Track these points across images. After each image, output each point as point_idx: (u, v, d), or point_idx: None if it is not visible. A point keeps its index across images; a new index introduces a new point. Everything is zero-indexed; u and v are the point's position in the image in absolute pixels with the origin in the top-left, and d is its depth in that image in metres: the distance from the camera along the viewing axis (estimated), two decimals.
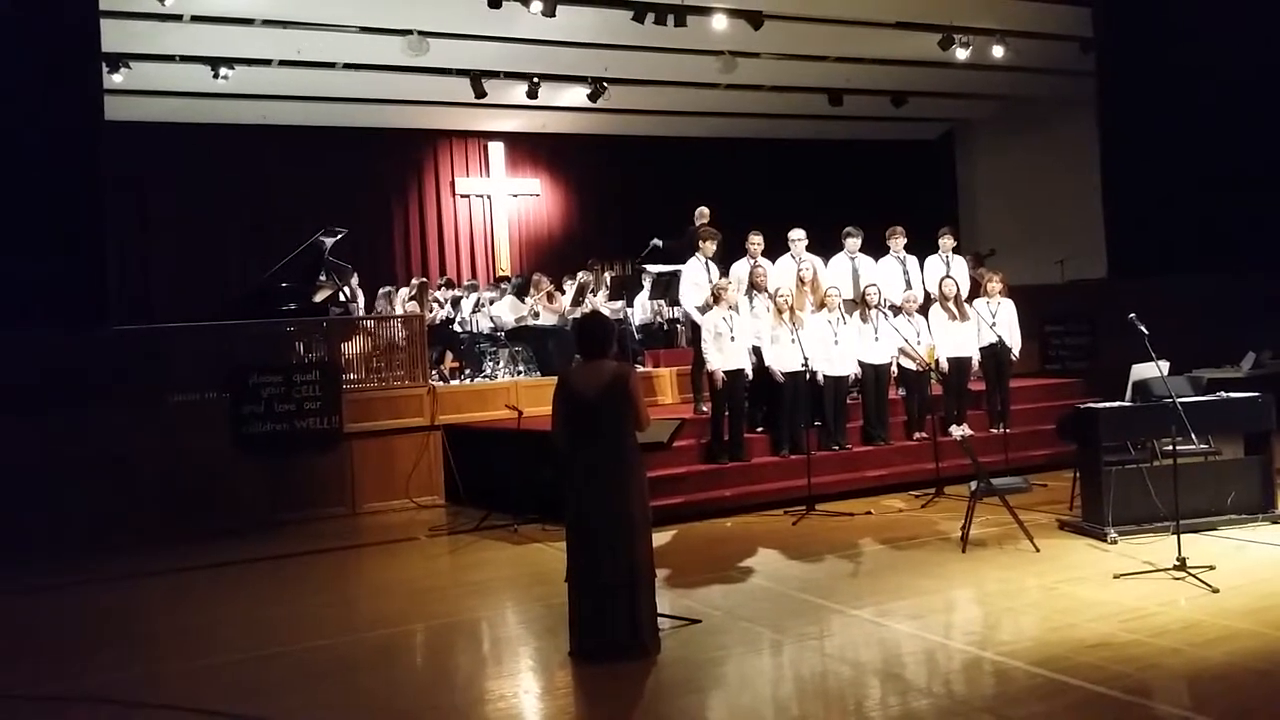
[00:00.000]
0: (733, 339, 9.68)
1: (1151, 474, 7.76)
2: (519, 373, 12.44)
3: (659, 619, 5.93)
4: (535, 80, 15.32)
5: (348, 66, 14.36)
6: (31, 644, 6.75)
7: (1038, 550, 7.47)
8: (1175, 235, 13.82)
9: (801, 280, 10.42)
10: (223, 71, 13.73)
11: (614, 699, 5.33)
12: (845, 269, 11.10)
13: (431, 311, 13.47)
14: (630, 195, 18.15)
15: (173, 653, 6.40)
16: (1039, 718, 4.69)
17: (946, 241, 11.42)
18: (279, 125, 16.07)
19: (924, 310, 10.82)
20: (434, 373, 12.27)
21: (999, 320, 10.66)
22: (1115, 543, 7.53)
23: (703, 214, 12.28)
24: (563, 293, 13.60)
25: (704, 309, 10.01)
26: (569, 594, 5.76)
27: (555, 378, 6.05)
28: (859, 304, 10.54)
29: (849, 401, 10.53)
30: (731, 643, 5.90)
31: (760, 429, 10.34)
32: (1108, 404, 8.10)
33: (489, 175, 18.24)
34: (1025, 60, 15.74)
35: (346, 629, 6.65)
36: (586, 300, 13.22)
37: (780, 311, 9.88)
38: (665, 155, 18.28)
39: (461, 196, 18.07)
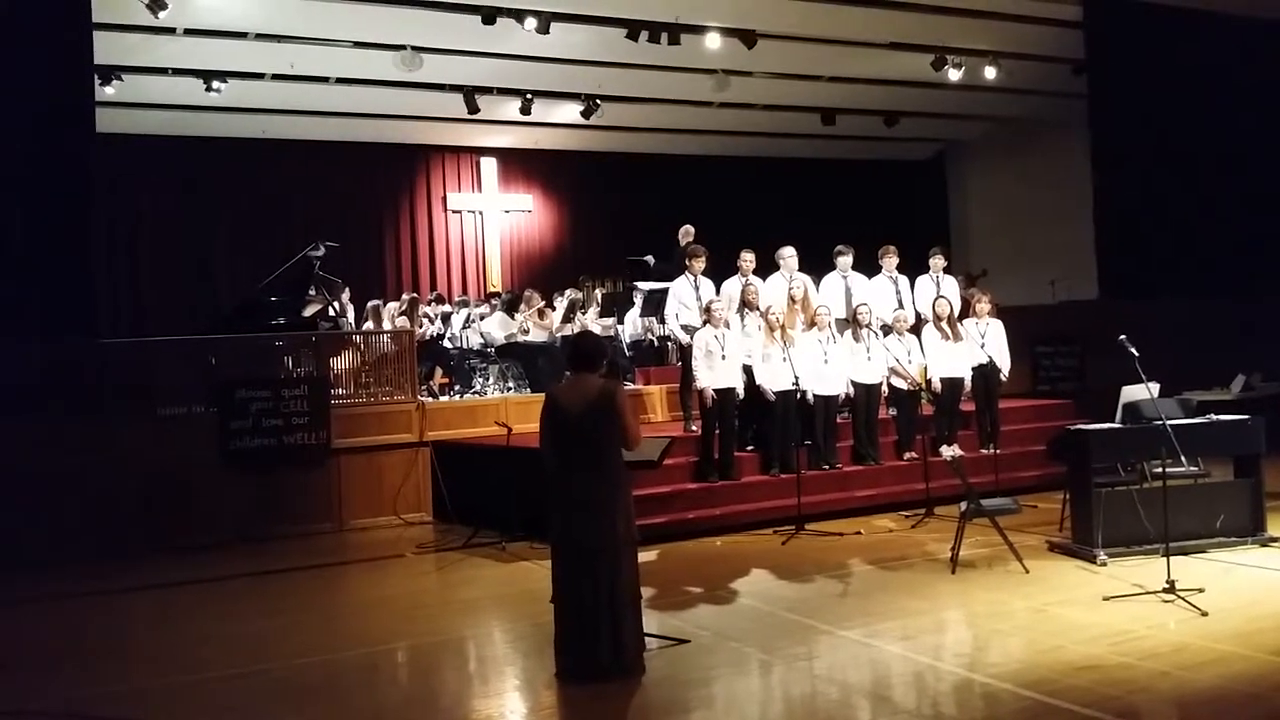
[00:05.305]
0: (724, 357, 9.67)
1: (1141, 496, 7.74)
2: (509, 389, 12.41)
3: (647, 639, 5.90)
4: (529, 96, 15.36)
5: (341, 81, 14.37)
6: (14, 659, 6.67)
7: (1027, 572, 7.45)
8: (1166, 258, 13.89)
9: (793, 299, 10.41)
10: (215, 85, 13.74)
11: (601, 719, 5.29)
12: (838, 287, 11.10)
13: (421, 327, 13.43)
14: (622, 212, 18.17)
15: (156, 669, 6.33)
16: None
17: (938, 261, 11.43)
18: (271, 139, 16.07)
19: (915, 330, 10.82)
20: (423, 388, 12.22)
21: (988, 341, 10.66)
22: (1105, 565, 7.51)
23: (687, 232, 12.27)
24: (553, 309, 13.58)
25: (697, 327, 9.99)
26: (554, 614, 5.72)
27: (544, 395, 6.01)
28: (850, 323, 10.54)
29: (839, 421, 10.52)
30: (719, 663, 5.86)
31: (750, 448, 10.31)
32: (1098, 425, 8.10)
33: (481, 191, 18.27)
34: (1017, 81, 15.83)
35: (331, 646, 6.59)
36: (576, 318, 13.20)
37: (771, 330, 9.87)
38: (658, 172, 18.32)
39: (453, 212, 18.08)
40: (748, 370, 9.92)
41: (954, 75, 15.05)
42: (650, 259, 13.54)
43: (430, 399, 11.94)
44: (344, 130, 16.18)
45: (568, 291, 14.10)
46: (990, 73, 15.12)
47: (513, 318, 13.08)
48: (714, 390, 9.64)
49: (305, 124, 15.81)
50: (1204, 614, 6.24)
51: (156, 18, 11.45)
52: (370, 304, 13.35)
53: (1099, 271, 14.50)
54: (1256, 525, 8.04)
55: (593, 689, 5.50)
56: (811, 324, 10.29)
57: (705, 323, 9.85)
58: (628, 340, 13.60)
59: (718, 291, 10.37)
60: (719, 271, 10.69)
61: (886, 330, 10.66)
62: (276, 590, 8.38)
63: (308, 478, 10.53)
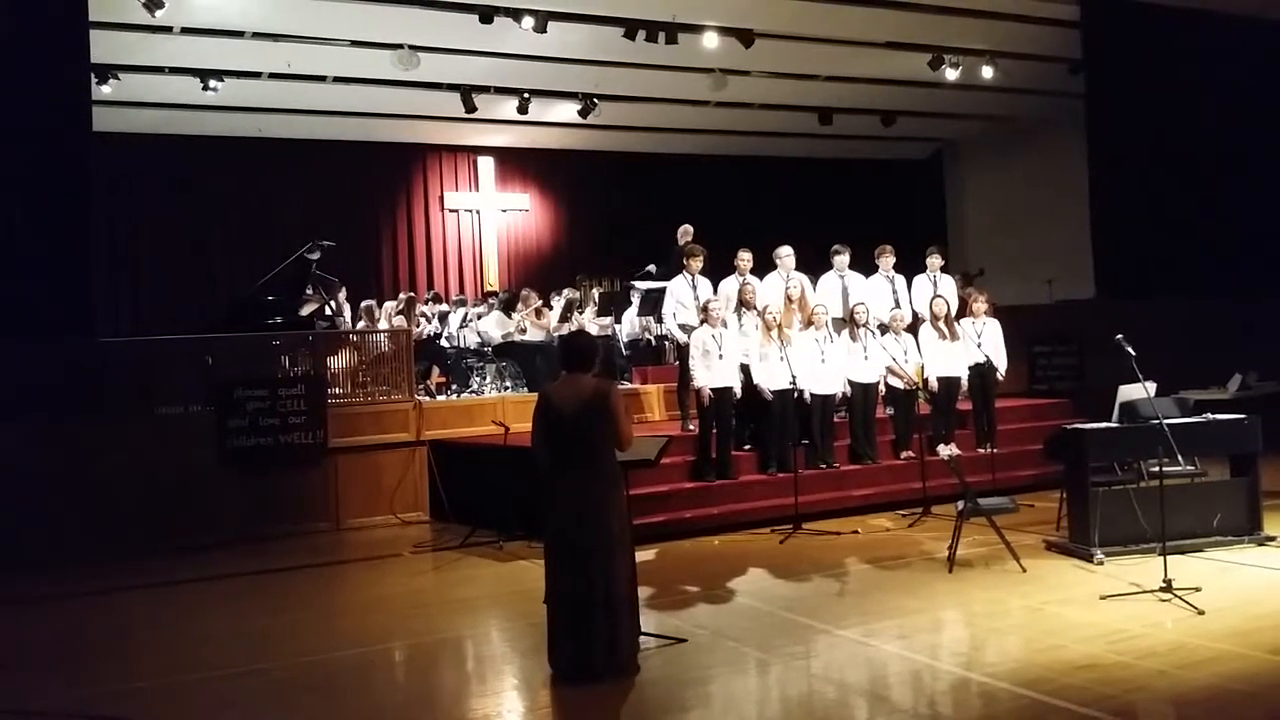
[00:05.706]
0: (721, 356, 9.67)
1: (1138, 495, 7.76)
2: (506, 388, 12.40)
3: (645, 638, 5.91)
4: (526, 95, 15.36)
5: (338, 80, 14.37)
6: (14, 659, 6.67)
7: (1024, 571, 7.46)
8: (1163, 257, 13.91)
9: (790, 298, 10.42)
10: (212, 83, 13.73)
11: (597, 718, 5.29)
12: (835, 287, 11.10)
13: (419, 326, 13.42)
14: (619, 211, 18.19)
15: (154, 668, 6.33)
16: None
17: (934, 261, 11.43)
18: (268, 138, 16.07)
19: (912, 329, 10.83)
20: (420, 388, 12.22)
21: (985, 340, 10.68)
22: (1102, 564, 7.52)
23: (686, 231, 12.28)
24: (550, 309, 13.59)
25: (694, 327, 10.00)
26: (548, 613, 5.73)
27: (537, 393, 6.01)
28: (847, 322, 10.55)
29: (836, 420, 10.53)
30: (717, 662, 5.87)
31: (748, 447, 10.32)
32: (1095, 424, 8.11)
33: (478, 190, 18.26)
34: (1014, 81, 15.84)
35: (329, 645, 6.59)
36: (574, 317, 13.19)
37: (769, 329, 9.88)
38: (655, 172, 18.33)
39: (450, 211, 18.07)
40: (745, 369, 9.92)
41: (951, 75, 15.06)
42: (653, 268, 13.52)
43: (427, 398, 11.93)
44: (341, 129, 16.17)
45: (565, 291, 14.09)
46: (987, 72, 15.13)
47: (510, 317, 13.08)
48: (711, 389, 9.65)
49: (302, 123, 15.81)
50: (1201, 613, 6.26)
51: (154, 17, 11.44)
52: (364, 303, 13.36)
53: (1096, 271, 14.53)
54: (1253, 524, 8.05)
55: (590, 688, 5.50)
56: (809, 323, 10.29)
57: (702, 322, 9.85)
58: (625, 340, 13.60)
59: (715, 291, 10.38)
60: (716, 270, 10.69)
61: (883, 329, 10.67)
62: (275, 589, 8.38)
63: (305, 477, 10.52)
